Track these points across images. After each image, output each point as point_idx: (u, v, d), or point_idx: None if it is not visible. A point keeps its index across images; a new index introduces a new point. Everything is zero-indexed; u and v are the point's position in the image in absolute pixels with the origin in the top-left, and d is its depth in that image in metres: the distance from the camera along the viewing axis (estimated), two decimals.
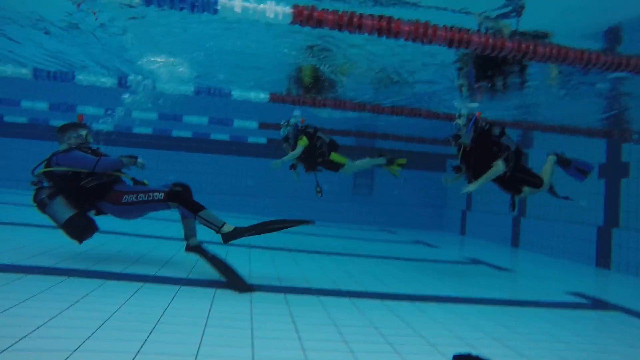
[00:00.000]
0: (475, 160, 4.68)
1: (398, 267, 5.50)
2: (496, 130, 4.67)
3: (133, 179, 3.94)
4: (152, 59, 5.54)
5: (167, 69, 5.62)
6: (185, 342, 2.26)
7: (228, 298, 3.21)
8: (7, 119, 9.37)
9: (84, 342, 2.11)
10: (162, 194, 3.54)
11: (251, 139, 10.82)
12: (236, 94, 5.54)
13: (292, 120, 6.13)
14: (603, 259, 7.04)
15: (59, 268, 3.54)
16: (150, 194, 3.57)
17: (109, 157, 3.82)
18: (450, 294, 4.22)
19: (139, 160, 3.90)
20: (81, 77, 5.47)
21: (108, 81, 5.56)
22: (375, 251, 7.08)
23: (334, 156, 6.04)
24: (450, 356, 2.43)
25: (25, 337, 2.09)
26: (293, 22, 2.40)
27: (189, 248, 3.81)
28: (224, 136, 9.86)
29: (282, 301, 3.27)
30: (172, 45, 5.18)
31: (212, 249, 3.85)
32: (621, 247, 6.73)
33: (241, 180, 12.35)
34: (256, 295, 3.38)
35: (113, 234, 5.32)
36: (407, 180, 13.20)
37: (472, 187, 4.55)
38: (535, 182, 4.89)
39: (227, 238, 3.46)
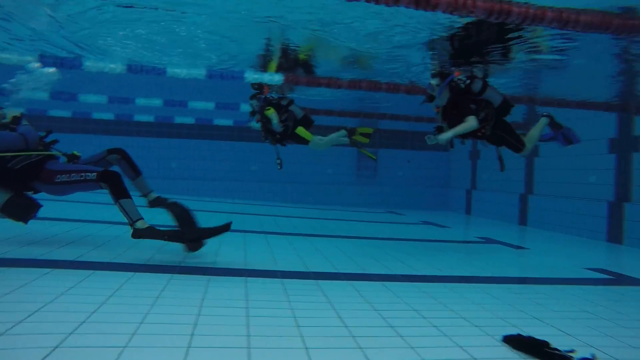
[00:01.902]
0: (453, 121, 4.51)
1: (416, 248, 5.47)
2: (477, 86, 4.48)
3: (64, 154, 3.88)
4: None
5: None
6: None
7: (222, 283, 3.14)
8: None
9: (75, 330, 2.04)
10: (95, 174, 3.53)
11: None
12: (249, 76, 5.38)
13: (256, 91, 6.16)
14: (615, 234, 7.07)
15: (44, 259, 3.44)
16: (84, 173, 3.56)
17: (25, 128, 3.72)
18: (476, 273, 4.19)
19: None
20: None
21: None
22: (388, 233, 7.04)
23: (300, 130, 5.99)
24: (499, 337, 2.40)
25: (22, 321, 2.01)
26: None
27: (151, 204, 3.90)
28: (226, 121, 9.69)
29: (313, 285, 3.21)
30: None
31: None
32: (634, 221, 6.74)
33: (245, 165, 12.22)
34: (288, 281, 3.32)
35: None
36: (410, 161, 13.17)
37: (442, 136, 4.38)
38: (517, 145, 4.77)
39: (138, 234, 3.44)
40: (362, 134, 6.27)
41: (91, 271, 3.14)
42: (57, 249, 3.82)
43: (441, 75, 4.55)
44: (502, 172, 4.97)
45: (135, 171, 3.92)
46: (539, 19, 2.63)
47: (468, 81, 4.52)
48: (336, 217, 9.00)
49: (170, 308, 2.49)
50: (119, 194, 3.51)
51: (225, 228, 3.47)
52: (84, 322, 2.16)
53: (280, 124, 6.04)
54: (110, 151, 3.93)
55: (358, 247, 5.22)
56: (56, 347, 1.85)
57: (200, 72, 5.06)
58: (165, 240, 3.43)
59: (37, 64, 4.37)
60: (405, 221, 9.24)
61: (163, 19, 4.51)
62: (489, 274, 4.23)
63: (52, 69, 4.34)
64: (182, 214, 3.80)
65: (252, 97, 6.45)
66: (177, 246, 3.72)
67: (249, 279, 3.30)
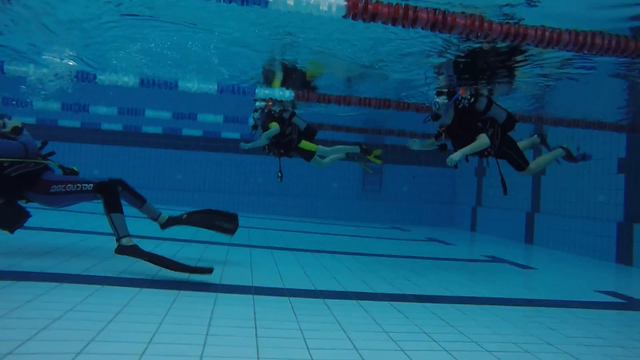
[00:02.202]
0: (461, 139, 4.46)
1: (423, 267, 5.41)
2: (481, 104, 4.44)
3: (61, 167, 3.89)
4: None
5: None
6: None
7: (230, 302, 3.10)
8: None
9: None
10: (92, 185, 3.56)
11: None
12: (260, 92, 5.40)
13: (258, 105, 6.18)
14: (624, 255, 6.97)
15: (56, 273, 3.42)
16: (79, 184, 3.59)
17: (26, 138, 3.74)
18: (485, 294, 4.13)
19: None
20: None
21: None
22: (394, 250, 6.99)
23: (304, 144, 5.98)
24: None
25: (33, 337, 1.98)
26: (347, 15, 2.28)
27: (163, 226, 3.95)
28: (233, 134, 9.72)
29: (321, 304, 3.17)
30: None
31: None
32: None
33: (250, 178, 12.23)
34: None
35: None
36: (416, 177, 13.13)
37: (454, 157, 4.30)
38: (520, 164, 4.72)
39: (121, 251, 3.47)
40: (376, 157, 6.30)
41: (98, 286, 3.12)
42: (63, 262, 3.80)
43: (447, 93, 4.52)
44: (505, 195, 4.92)
45: (139, 199, 3.88)
46: (555, 42, 2.63)
47: (472, 99, 4.50)
48: (341, 232, 8.95)
49: (179, 327, 2.45)
50: (112, 207, 3.55)
51: (205, 271, 3.50)
52: (92, 340, 2.13)
53: (285, 137, 6.03)
54: (112, 182, 3.81)
55: (364, 264, 5.17)
56: None
57: (211, 87, 5.09)
58: (146, 261, 3.47)
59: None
60: (410, 237, 9.18)
61: (175, 34, 4.56)
62: (498, 295, 4.17)
63: (71, 62, 4.35)
64: (204, 219, 3.84)
65: (255, 110, 6.45)
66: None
67: (257, 297, 3.26)
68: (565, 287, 4.86)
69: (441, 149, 4.84)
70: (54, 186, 3.62)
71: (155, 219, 3.97)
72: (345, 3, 2.20)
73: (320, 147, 6.05)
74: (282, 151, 6.31)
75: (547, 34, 2.60)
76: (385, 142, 12.44)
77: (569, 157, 5.07)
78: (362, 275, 4.41)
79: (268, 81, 6.09)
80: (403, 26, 2.35)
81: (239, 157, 11.91)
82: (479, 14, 2.76)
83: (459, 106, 4.43)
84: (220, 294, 3.22)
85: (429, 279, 4.54)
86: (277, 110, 6.25)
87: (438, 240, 8.88)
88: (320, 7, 2.17)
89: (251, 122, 6.59)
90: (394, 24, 2.35)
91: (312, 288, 3.71)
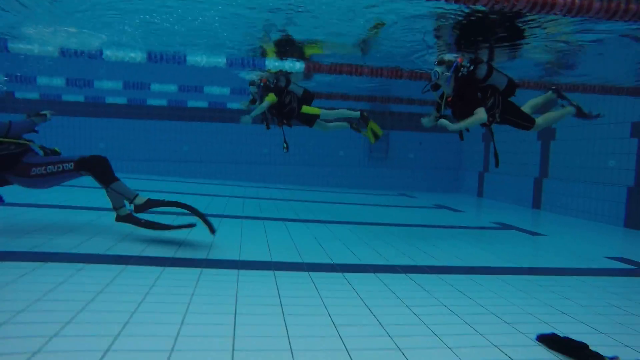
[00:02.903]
0: (461, 110, 4.39)
1: (435, 235, 5.48)
2: (481, 72, 4.32)
3: (43, 148, 3.84)
4: None
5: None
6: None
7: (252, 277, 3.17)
8: None
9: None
10: (72, 163, 3.53)
11: None
12: (270, 64, 5.28)
13: (252, 78, 6.04)
14: (633, 220, 7.02)
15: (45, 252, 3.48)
16: (60, 164, 3.56)
17: (20, 119, 3.74)
18: (498, 264, 4.20)
19: (48, 114, 3.89)
20: None
21: None
22: (405, 219, 7.05)
23: (306, 109, 5.91)
24: (532, 335, 2.41)
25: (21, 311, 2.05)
26: None
27: (119, 218, 3.84)
28: (237, 105, 9.61)
29: (341, 278, 3.24)
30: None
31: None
32: None
33: (257, 149, 12.20)
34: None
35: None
36: (422, 143, 13.07)
37: (452, 127, 4.29)
38: (525, 125, 4.66)
39: (140, 209, 3.59)
40: (373, 131, 6.16)
41: (123, 266, 3.18)
42: (52, 239, 3.74)
43: (446, 62, 4.37)
44: (497, 167, 4.90)
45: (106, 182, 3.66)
46: (586, 10, 2.52)
47: (472, 67, 4.33)
48: (350, 200, 9.01)
49: (208, 307, 2.52)
50: (106, 179, 3.54)
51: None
52: (127, 322, 2.19)
53: (285, 106, 5.94)
54: (80, 165, 3.61)
55: (377, 234, 5.23)
56: (37, 352, 1.81)
57: (220, 60, 4.97)
58: (166, 205, 3.59)
59: None
60: (418, 204, 9.24)
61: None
62: (511, 264, 4.24)
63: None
64: (158, 226, 3.78)
65: (251, 83, 6.39)
66: (201, 236, 3.75)
67: (277, 272, 3.32)
68: (575, 254, 4.93)
69: (442, 117, 4.72)
70: (34, 168, 3.58)
71: (115, 209, 3.81)
72: None
73: (323, 110, 5.97)
74: (284, 121, 6.24)
75: (577, 2, 2.49)
76: (391, 109, 12.31)
77: (580, 114, 4.97)
78: (376, 247, 4.48)
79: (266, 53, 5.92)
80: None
81: (243, 128, 11.83)
82: None
83: (458, 75, 4.32)
84: (242, 271, 3.29)
85: (441, 249, 4.60)
86: (272, 81, 6.16)
87: (446, 207, 8.94)
88: None
89: (250, 96, 6.53)
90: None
91: (330, 262, 3.79)
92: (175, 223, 3.84)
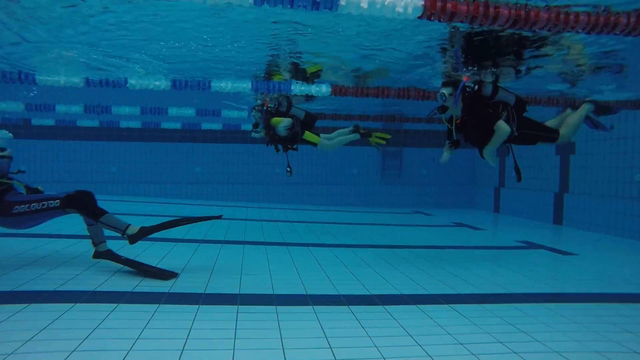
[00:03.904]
0: (473, 131, 4.22)
1: (464, 258, 5.29)
2: (487, 89, 4.20)
3: (26, 187, 3.70)
4: None
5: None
6: None
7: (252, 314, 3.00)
8: None
9: None
10: (58, 200, 3.43)
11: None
12: (296, 88, 5.20)
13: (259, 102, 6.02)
14: None
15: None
16: (45, 202, 3.44)
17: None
18: (540, 290, 4.00)
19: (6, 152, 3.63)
20: None
21: None
22: (426, 240, 6.86)
23: (307, 135, 5.82)
24: None
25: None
26: (422, 16, 2.08)
27: (97, 255, 3.71)
28: (249, 126, 9.55)
29: (347, 312, 3.06)
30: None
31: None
32: None
33: (269, 168, 12.10)
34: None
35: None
36: (435, 159, 12.92)
37: (487, 157, 4.11)
38: (550, 137, 4.42)
39: (134, 238, 3.48)
40: (377, 137, 6.07)
41: (114, 304, 3.03)
42: (48, 271, 3.59)
43: (452, 83, 4.24)
44: (519, 182, 4.69)
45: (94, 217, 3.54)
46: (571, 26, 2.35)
47: (476, 87, 4.22)
48: (367, 220, 8.85)
49: (205, 343, 2.40)
50: (94, 214, 3.45)
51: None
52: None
53: (288, 131, 5.87)
54: (77, 193, 3.52)
55: (406, 258, 5.05)
56: None
57: (245, 85, 4.89)
58: (161, 229, 3.54)
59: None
60: (436, 223, 9.04)
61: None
62: (554, 290, 4.05)
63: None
64: (137, 265, 3.62)
65: (254, 108, 6.39)
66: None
67: (279, 307, 3.12)
68: (617, 277, 4.70)
69: (455, 146, 4.56)
70: (17, 206, 3.44)
71: (94, 245, 3.70)
72: (422, 3, 1.97)
73: (322, 138, 5.89)
74: (288, 146, 6.18)
75: (561, 16, 2.33)
76: (404, 127, 12.23)
77: (599, 109, 4.78)
78: (410, 273, 4.29)
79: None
80: (482, 24, 2.14)
81: (255, 148, 11.77)
82: None
83: (465, 94, 4.20)
84: (241, 307, 3.07)
85: (476, 274, 4.42)
86: (273, 107, 6.13)
87: (465, 224, 8.75)
88: (396, 9, 1.96)
89: (252, 120, 6.58)
90: (471, 23, 2.13)
91: (367, 293, 3.61)
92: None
